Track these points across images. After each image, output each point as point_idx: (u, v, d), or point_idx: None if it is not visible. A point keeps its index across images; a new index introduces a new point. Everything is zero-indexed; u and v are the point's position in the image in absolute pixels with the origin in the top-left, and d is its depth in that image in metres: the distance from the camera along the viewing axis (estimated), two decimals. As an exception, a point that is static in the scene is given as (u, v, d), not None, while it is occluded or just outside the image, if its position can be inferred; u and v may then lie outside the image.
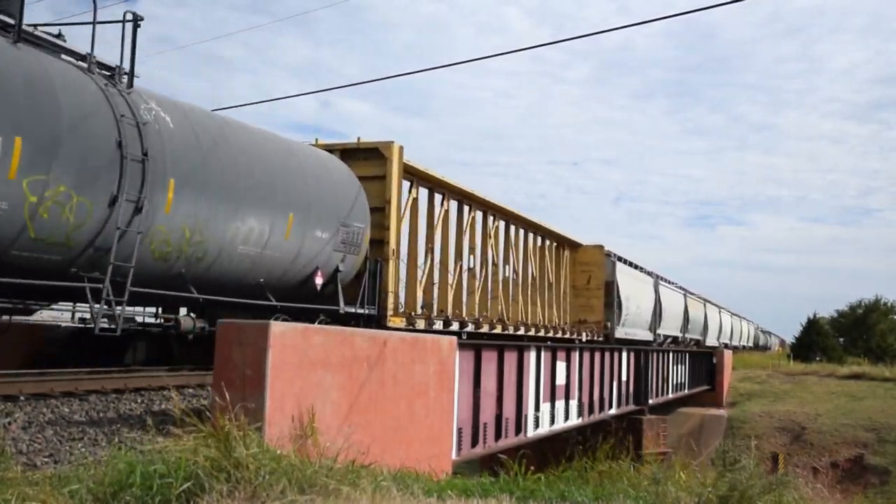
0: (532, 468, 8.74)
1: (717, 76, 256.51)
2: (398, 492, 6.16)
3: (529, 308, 22.70)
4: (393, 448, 8.89)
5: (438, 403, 10.45)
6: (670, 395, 32.03)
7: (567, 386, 19.21)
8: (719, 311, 56.54)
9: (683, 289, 43.03)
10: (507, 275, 21.46)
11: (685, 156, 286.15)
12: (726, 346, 55.57)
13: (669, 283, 39.39)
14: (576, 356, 20.03)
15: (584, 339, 25.15)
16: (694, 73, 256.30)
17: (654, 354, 28.93)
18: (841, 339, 68.27)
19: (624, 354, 24.87)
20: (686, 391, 35.44)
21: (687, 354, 36.52)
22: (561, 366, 18.82)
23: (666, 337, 36.71)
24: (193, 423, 5.92)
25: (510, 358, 15.73)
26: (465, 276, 18.75)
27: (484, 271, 19.77)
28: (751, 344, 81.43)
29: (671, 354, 32.60)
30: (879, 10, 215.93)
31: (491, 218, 20.47)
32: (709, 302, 51.93)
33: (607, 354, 23.03)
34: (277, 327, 7.26)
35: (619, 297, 27.75)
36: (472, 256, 19.31)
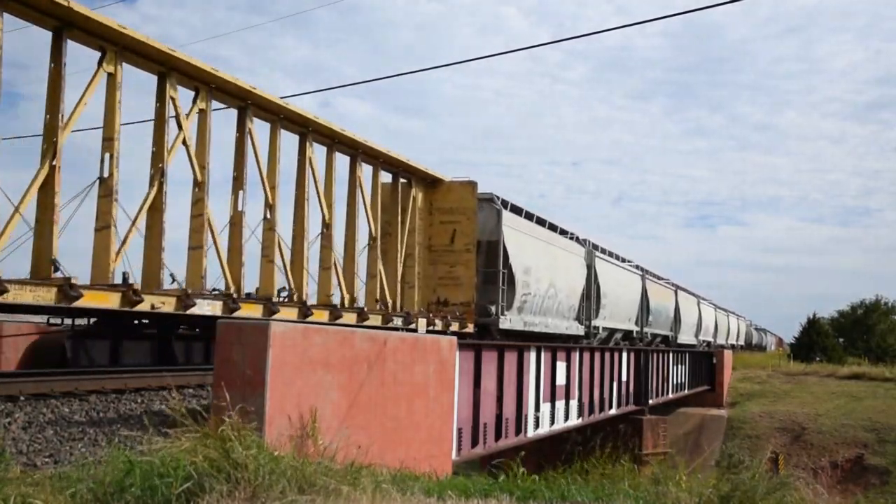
0: (532, 468, 8.73)
1: (717, 76, 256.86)
2: (398, 492, 6.15)
3: (320, 276, 14.80)
4: (393, 448, 8.88)
5: (438, 403, 10.44)
6: (670, 395, 32.06)
7: (567, 386, 19.21)
8: (698, 303, 47.27)
9: (642, 269, 33.70)
10: (241, 209, 12.93)
11: (685, 156, 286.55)
12: (708, 344, 49.34)
13: (617, 258, 30.29)
14: (576, 356, 20.03)
15: (415, 330, 15.64)
16: (693, 73, 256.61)
17: (654, 354, 28.91)
18: (841, 340, 68.31)
19: (624, 355, 24.87)
20: (686, 391, 35.47)
21: (687, 354, 36.52)
22: (561, 366, 18.82)
23: (611, 331, 27.95)
24: (192, 423, 5.90)
25: (510, 358, 15.72)
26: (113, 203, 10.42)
27: (151, 191, 11.20)
28: (741, 342, 73.98)
29: (671, 354, 32.59)
30: (879, 10, 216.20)
31: (198, 103, 12.12)
32: (682, 289, 42.68)
33: (607, 354, 23.04)
34: (278, 327, 7.26)
35: (509, 266, 18.41)
36: (152, 172, 11.32)
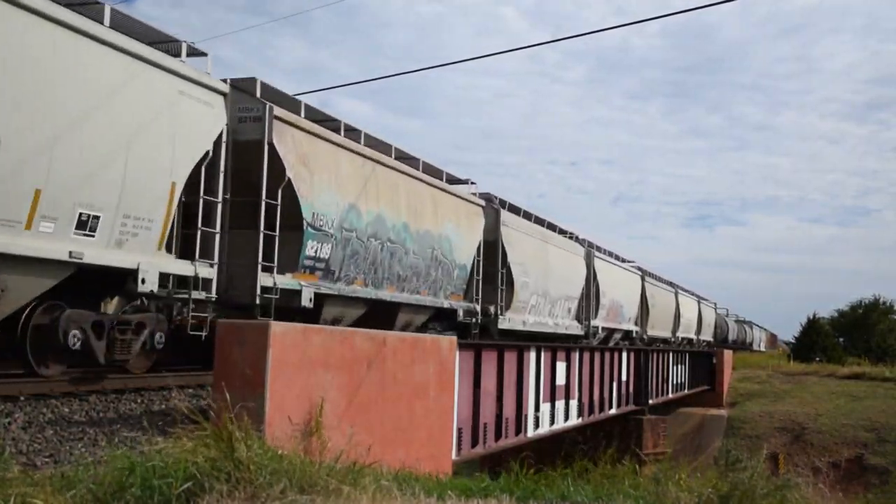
0: (532, 468, 8.73)
1: (715, 76, 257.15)
2: (399, 492, 6.15)
3: None
4: (393, 448, 8.88)
5: (438, 403, 10.44)
6: (670, 395, 32.04)
7: (567, 386, 19.21)
8: (610, 268, 30.41)
9: (478, 195, 19.47)
10: None
11: (684, 156, 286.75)
12: (631, 336, 33.61)
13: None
14: (576, 356, 20.04)
15: None
16: (691, 73, 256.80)
17: (654, 354, 28.90)
18: (841, 339, 68.22)
19: (624, 354, 24.87)
20: (686, 391, 35.46)
21: (687, 354, 36.53)
22: (561, 366, 18.82)
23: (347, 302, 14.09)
24: (196, 420, 5.90)
25: (510, 358, 15.72)
26: None
27: None
28: (709, 338, 53.18)
29: (671, 354, 32.58)
30: (876, 10, 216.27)
31: None
32: (563, 233, 26.56)
33: (607, 354, 23.05)
34: (278, 327, 7.26)
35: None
36: None
